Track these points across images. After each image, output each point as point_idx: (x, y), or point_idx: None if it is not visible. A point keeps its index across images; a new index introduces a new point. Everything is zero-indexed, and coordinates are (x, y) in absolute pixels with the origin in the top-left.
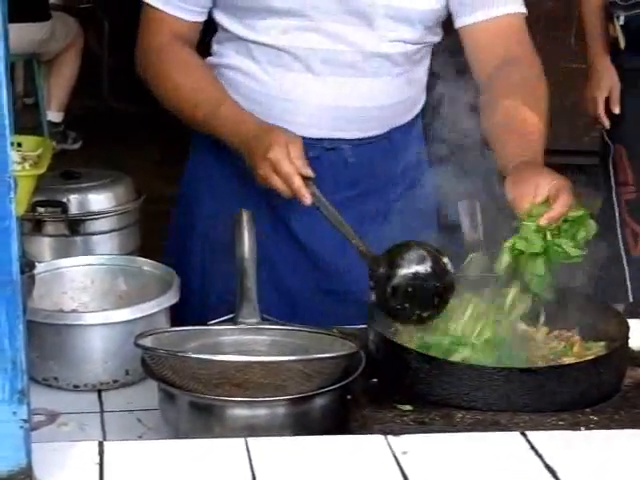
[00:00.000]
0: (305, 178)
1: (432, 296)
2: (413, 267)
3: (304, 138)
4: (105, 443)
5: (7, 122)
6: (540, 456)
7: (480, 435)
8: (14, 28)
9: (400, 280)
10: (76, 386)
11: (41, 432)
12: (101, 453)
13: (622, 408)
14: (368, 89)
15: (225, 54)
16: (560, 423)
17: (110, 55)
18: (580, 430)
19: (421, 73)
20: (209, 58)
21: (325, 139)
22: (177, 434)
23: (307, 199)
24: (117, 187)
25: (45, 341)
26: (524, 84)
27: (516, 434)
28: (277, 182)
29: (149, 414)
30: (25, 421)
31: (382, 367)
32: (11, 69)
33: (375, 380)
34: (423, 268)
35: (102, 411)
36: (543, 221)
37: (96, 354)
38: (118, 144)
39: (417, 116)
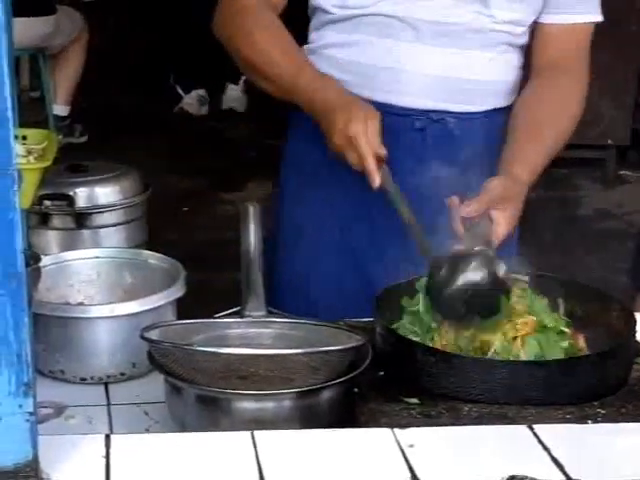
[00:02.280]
0: (379, 159)
1: (487, 307)
2: (473, 278)
3: (410, 109)
4: (112, 436)
5: (10, 114)
6: (547, 449)
7: (487, 428)
8: (19, 22)
9: (458, 290)
10: (83, 379)
11: (48, 425)
12: (108, 446)
13: (629, 401)
14: (475, 62)
15: (325, 36)
16: (567, 416)
17: (115, 49)
18: (587, 423)
19: (519, 60)
20: (306, 46)
21: (431, 111)
22: (184, 427)
23: (376, 182)
24: (124, 180)
25: (51, 334)
26: (562, 100)
27: (523, 427)
28: (352, 157)
29: (156, 407)
30: (31, 414)
31: (389, 360)
32: (17, 63)
33: (382, 373)
34: (483, 280)
35: (109, 404)
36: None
37: (103, 347)
38: (125, 138)
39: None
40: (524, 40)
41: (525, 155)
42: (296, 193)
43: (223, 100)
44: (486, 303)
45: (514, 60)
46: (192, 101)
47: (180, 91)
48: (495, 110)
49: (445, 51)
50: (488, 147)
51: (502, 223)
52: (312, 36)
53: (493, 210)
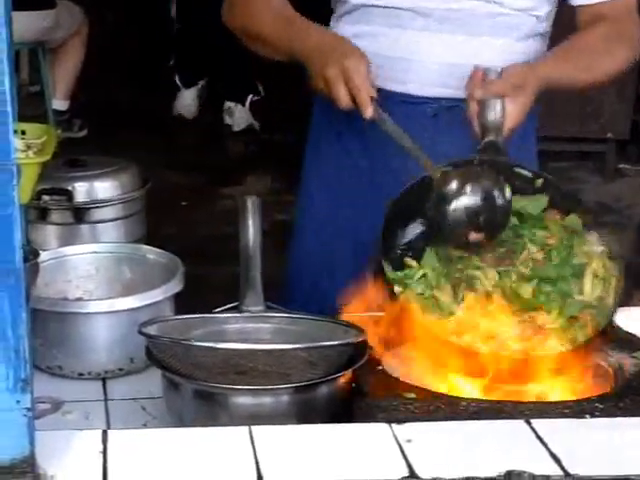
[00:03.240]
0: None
1: (490, 226)
2: (483, 192)
3: (422, 97)
4: (109, 431)
5: (9, 109)
6: (545, 444)
7: (484, 423)
8: (19, 16)
9: (470, 202)
10: (81, 374)
11: (45, 420)
12: (105, 441)
13: (627, 396)
14: (486, 48)
15: (340, 27)
16: (565, 411)
17: (115, 44)
18: (585, 418)
19: (537, 48)
20: None
21: (444, 98)
22: (181, 422)
23: (369, 112)
24: (123, 175)
25: (49, 329)
26: (609, 42)
27: (521, 422)
28: (341, 90)
29: (154, 402)
30: (28, 409)
31: None
32: (16, 57)
33: (380, 368)
34: (494, 196)
35: (106, 399)
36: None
37: (101, 342)
38: (124, 133)
39: None
40: (544, 28)
41: (554, 61)
42: (317, 189)
43: (232, 121)
44: (487, 225)
45: (531, 48)
46: (190, 102)
47: (178, 82)
48: None
49: (454, 38)
50: None
51: (511, 113)
52: (331, 27)
53: (505, 98)
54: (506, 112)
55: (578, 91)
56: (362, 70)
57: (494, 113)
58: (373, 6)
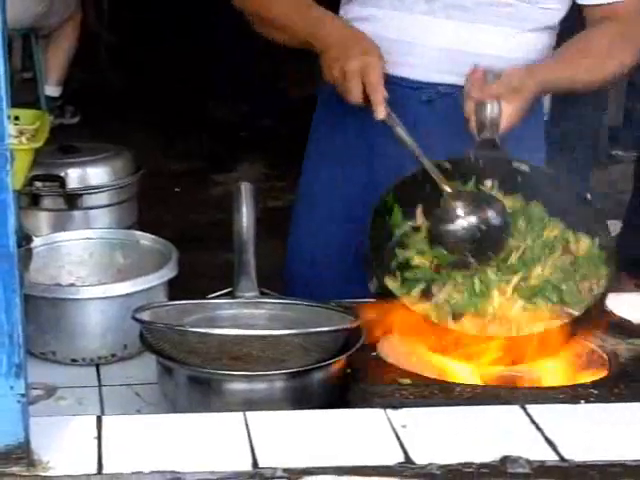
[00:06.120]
0: None
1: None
2: (485, 219)
3: (419, 82)
4: (103, 417)
5: (3, 94)
6: (540, 429)
7: (480, 409)
8: (12, 2)
9: (472, 224)
10: (74, 360)
11: (39, 406)
12: (99, 427)
13: (622, 381)
14: (488, 37)
15: (349, 10)
16: (560, 396)
17: (109, 30)
18: (580, 403)
19: (544, 42)
20: None
21: (441, 84)
22: (175, 408)
23: (383, 112)
24: (115, 161)
25: (42, 315)
26: (612, 44)
27: (516, 407)
28: (357, 85)
29: (147, 388)
30: (22, 395)
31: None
32: (9, 43)
33: (374, 354)
34: (494, 224)
35: (100, 385)
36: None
37: (94, 328)
38: (117, 119)
39: None
40: (553, 21)
41: (555, 64)
42: (316, 171)
43: None
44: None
45: (537, 40)
46: None
47: None
48: None
49: (457, 24)
50: None
51: (507, 115)
52: (340, 11)
53: (502, 100)
54: (502, 113)
55: (578, 91)
56: (379, 70)
57: (490, 112)
58: None
